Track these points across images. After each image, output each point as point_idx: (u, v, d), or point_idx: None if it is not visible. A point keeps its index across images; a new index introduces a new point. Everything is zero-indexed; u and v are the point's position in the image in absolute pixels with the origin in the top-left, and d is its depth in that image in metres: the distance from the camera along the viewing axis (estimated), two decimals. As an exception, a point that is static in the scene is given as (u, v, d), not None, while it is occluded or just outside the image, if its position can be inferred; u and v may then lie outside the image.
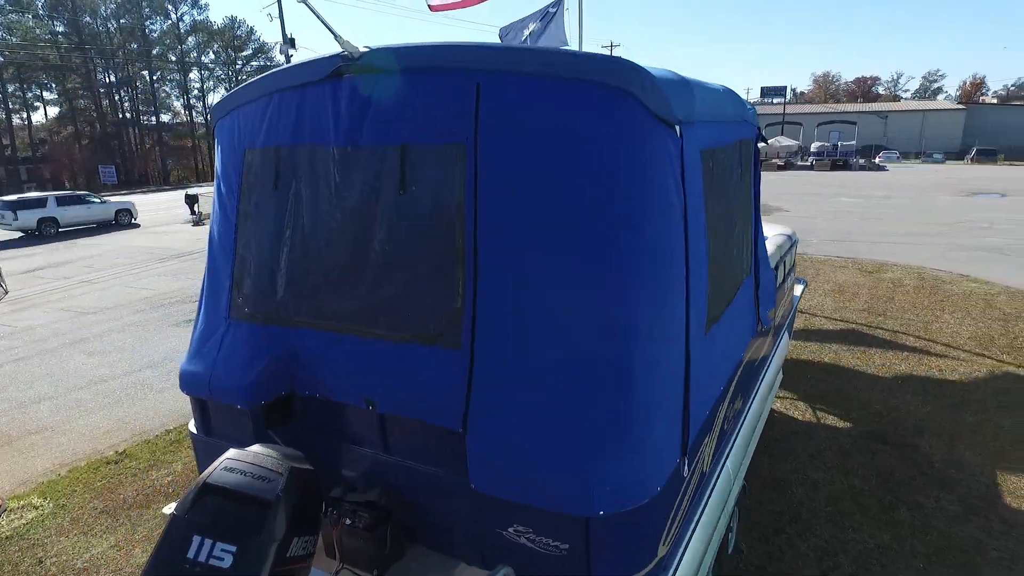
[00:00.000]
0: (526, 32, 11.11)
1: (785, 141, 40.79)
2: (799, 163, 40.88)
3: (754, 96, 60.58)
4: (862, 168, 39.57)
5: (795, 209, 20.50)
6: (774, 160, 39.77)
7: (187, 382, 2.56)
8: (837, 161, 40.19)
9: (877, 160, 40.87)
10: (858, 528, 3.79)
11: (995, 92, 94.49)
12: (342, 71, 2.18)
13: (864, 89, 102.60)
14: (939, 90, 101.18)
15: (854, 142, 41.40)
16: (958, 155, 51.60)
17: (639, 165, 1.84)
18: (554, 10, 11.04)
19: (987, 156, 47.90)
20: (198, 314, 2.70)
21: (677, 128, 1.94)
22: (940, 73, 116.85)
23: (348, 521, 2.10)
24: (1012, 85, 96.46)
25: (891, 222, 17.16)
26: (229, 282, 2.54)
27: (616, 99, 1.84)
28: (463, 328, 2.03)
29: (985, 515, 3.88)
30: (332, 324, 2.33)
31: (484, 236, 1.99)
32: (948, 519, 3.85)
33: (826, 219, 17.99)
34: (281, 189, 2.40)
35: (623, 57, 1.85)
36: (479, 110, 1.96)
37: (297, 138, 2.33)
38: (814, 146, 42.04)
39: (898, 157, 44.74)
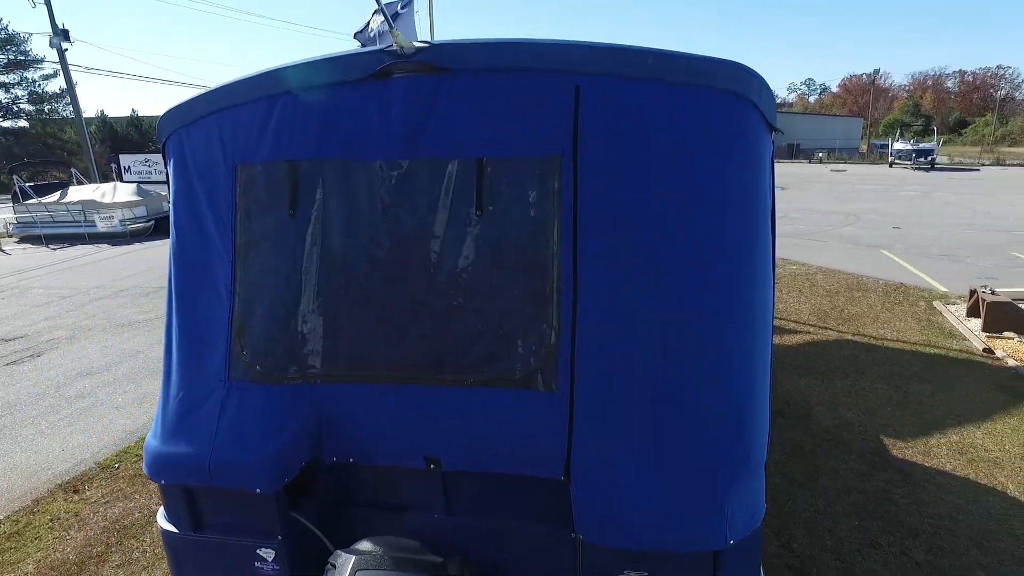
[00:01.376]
0: (373, 28, 10.42)
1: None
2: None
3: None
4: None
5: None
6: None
7: (167, 467, 1.97)
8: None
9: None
10: (795, 500, 4.10)
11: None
12: (391, 70, 1.80)
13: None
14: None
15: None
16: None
17: (758, 176, 1.77)
18: (404, 10, 10.01)
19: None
20: (166, 378, 2.06)
21: (774, 135, 1.87)
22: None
23: None
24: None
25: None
26: (226, 332, 1.97)
27: (738, 106, 1.73)
28: (559, 367, 1.77)
29: (884, 468, 4.43)
30: (380, 375, 1.92)
31: (585, 260, 1.74)
32: (859, 478, 4.32)
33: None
34: (301, 214, 1.94)
35: (738, 61, 1.74)
36: (579, 117, 1.72)
37: (324, 150, 1.90)
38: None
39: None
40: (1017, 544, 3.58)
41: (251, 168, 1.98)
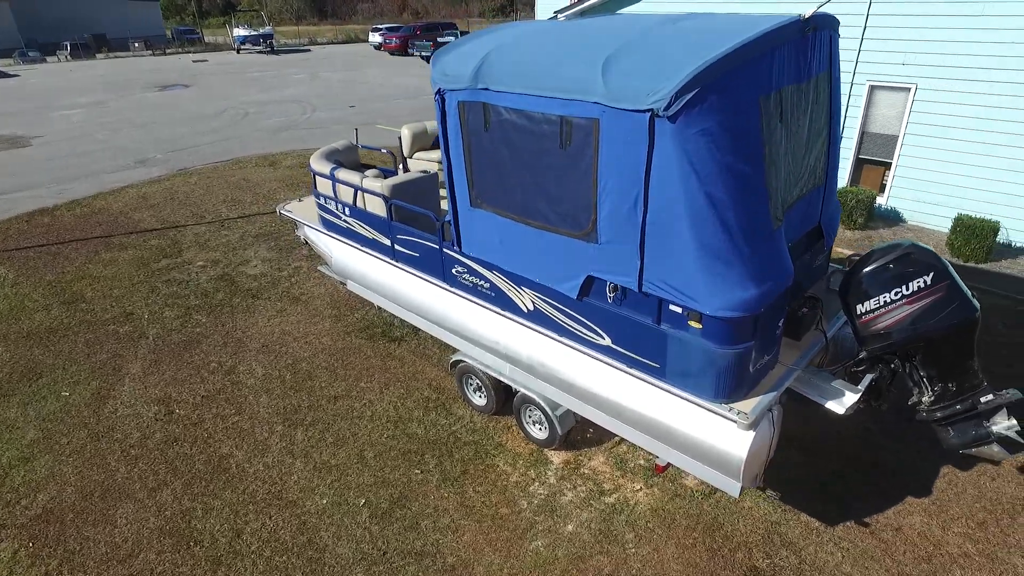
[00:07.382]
0: None
1: None
2: None
3: None
4: (-8, 77, 33.18)
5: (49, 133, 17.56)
6: None
7: (764, 301, 3.25)
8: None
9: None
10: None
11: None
12: (805, 30, 3.36)
13: None
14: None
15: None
16: (9, 51, 40.86)
17: None
18: None
19: (87, 50, 42.56)
20: (730, 248, 3.15)
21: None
22: None
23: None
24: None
25: (190, 122, 18.09)
26: (766, 205, 3.29)
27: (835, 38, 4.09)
28: (824, 168, 4.21)
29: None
30: (795, 197, 3.76)
31: (834, 119, 4.09)
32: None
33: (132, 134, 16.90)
34: (784, 119, 3.34)
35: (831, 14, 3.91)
36: (832, 49, 3.84)
37: (786, 80, 3.32)
38: None
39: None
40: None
41: (766, 98, 3.13)
